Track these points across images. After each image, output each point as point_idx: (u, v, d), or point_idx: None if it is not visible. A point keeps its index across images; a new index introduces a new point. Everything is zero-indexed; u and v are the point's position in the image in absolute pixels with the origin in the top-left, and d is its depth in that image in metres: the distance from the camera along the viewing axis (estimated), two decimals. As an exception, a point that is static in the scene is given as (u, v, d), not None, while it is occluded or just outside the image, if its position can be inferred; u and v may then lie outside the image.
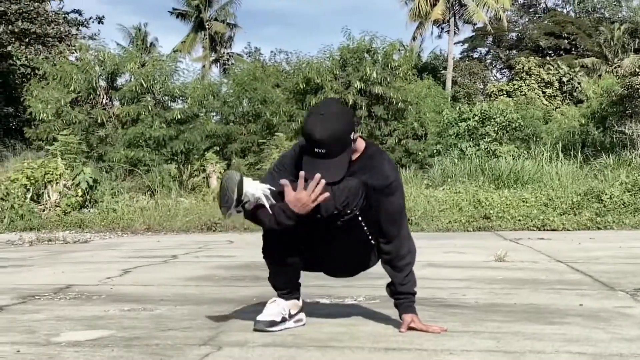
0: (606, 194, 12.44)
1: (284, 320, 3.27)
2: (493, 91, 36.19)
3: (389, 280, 3.25)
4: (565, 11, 50.65)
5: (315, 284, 4.60)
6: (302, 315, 3.38)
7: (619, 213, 11.80)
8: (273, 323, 3.24)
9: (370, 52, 22.02)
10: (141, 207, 13.07)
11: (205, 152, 17.99)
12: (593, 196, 12.59)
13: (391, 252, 3.18)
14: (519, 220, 11.35)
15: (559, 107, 34.22)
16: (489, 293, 4.29)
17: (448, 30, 42.10)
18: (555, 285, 4.61)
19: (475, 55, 49.13)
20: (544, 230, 10.77)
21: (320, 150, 3.01)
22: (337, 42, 39.45)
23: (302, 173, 3.00)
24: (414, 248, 3.25)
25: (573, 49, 44.98)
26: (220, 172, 16.84)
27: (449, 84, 38.40)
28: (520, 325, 3.24)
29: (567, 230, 10.76)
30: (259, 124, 20.83)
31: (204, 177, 17.29)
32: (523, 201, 12.52)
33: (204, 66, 43.70)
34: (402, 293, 3.18)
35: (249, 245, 8.90)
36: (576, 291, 4.32)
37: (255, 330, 3.21)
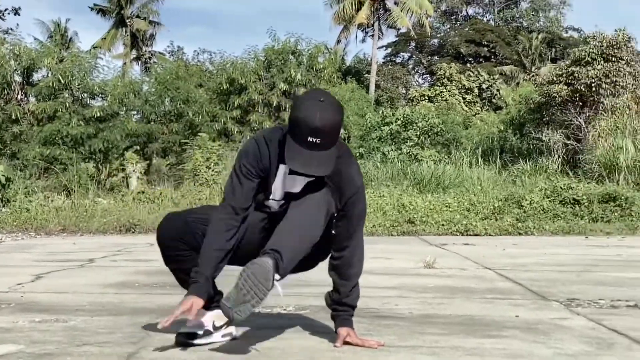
0: (526, 200, 12.64)
1: (208, 333, 3.04)
2: (415, 96, 36.56)
3: (330, 288, 3.07)
4: (485, 19, 51.69)
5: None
6: (231, 328, 3.15)
7: (539, 219, 11.98)
8: (194, 336, 3.02)
9: (295, 53, 21.95)
10: (56, 207, 12.62)
11: (125, 151, 17.57)
12: (513, 202, 12.77)
13: (343, 258, 2.99)
14: (443, 225, 11.39)
15: (479, 113, 34.81)
16: (422, 303, 4.16)
17: (372, 35, 42.36)
18: (486, 294, 4.53)
19: (398, 60, 49.63)
20: (467, 235, 10.82)
21: (315, 140, 2.75)
22: (262, 43, 39.24)
23: None
24: (363, 257, 3.07)
25: (492, 56, 45.91)
26: (140, 172, 16.44)
27: (372, 87, 38.61)
28: (459, 339, 3.10)
29: (490, 235, 10.85)
30: (181, 124, 20.46)
31: (123, 177, 16.88)
32: (446, 206, 12.60)
33: (124, 64, 42.76)
34: (343, 305, 3.01)
35: (169, 249, 8.62)
36: (509, 301, 4.24)
37: (176, 343, 2.99)
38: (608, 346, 2.91)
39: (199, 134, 17.73)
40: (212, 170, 14.98)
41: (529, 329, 3.29)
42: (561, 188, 12.87)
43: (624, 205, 12.28)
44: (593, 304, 3.98)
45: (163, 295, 4.56)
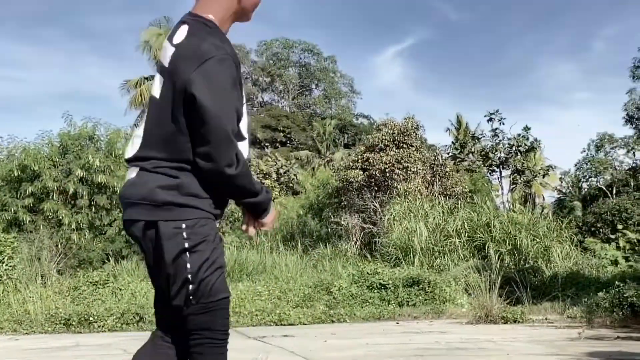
0: (335, 286, 12.78)
1: None
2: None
3: None
4: (281, 106, 53.21)
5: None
6: None
7: (349, 304, 12.14)
8: None
9: (93, 139, 21.23)
10: None
11: None
12: (323, 288, 12.86)
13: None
14: (256, 315, 11.22)
15: (277, 198, 35.32)
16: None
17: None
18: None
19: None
20: (281, 324, 10.71)
21: None
22: (57, 127, 37.57)
23: None
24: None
25: (288, 142, 47.14)
26: None
27: (171, 172, 38.13)
28: None
29: (304, 324, 10.80)
30: (-34, 216, 18.93)
31: None
32: (257, 295, 12.46)
33: None
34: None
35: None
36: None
37: None
38: None
39: (-13, 225, 16.48)
40: (6, 265, 13.87)
41: None
42: (368, 273, 13.16)
43: (427, 288, 12.73)
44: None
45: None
